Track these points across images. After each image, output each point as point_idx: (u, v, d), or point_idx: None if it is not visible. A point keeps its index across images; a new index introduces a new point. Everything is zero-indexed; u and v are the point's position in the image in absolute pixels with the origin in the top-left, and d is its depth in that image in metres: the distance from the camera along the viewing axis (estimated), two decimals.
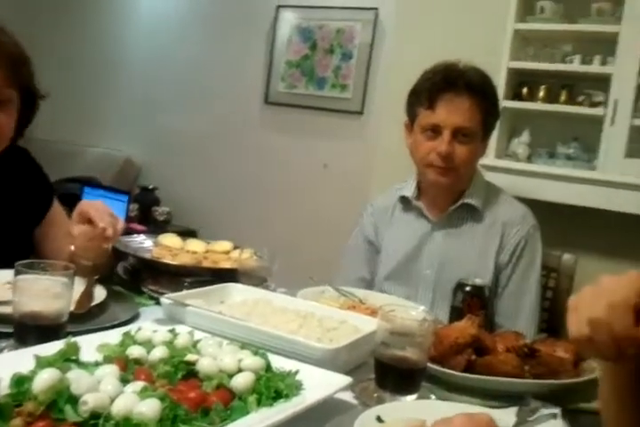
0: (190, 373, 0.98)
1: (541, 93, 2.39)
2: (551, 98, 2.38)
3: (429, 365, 1.13)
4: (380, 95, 3.44)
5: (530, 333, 1.62)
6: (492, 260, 1.72)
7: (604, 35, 2.24)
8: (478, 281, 1.46)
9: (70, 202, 2.07)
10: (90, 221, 1.37)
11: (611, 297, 0.73)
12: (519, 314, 1.70)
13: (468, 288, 1.44)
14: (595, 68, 2.28)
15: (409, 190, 1.83)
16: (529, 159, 2.38)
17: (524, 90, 2.41)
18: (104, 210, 1.39)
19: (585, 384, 1.20)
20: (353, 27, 3.64)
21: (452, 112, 1.67)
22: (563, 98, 2.37)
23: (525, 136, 2.38)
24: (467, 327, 1.21)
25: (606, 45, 2.25)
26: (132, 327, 1.14)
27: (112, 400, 0.82)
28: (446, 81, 1.68)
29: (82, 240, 1.38)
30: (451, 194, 1.77)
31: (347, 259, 1.94)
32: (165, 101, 4.23)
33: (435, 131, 1.69)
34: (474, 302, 1.43)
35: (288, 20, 3.83)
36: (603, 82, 2.24)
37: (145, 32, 4.34)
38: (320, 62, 3.74)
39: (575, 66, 2.32)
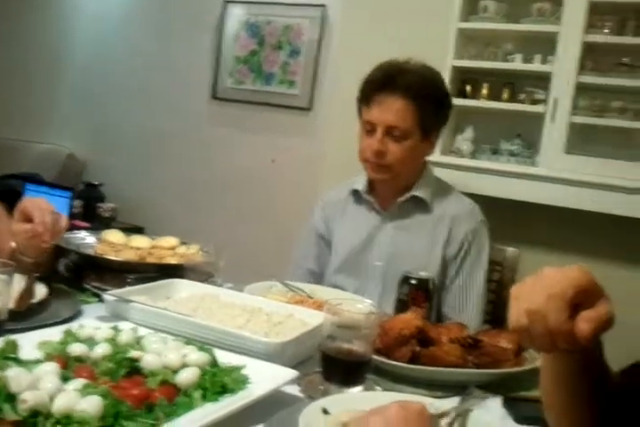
0: (134, 369, 0.97)
1: (484, 91, 2.44)
2: (494, 95, 2.43)
3: (375, 357, 1.14)
4: (328, 92, 3.46)
5: (475, 324, 1.66)
6: (439, 252, 1.75)
7: (545, 34, 2.30)
8: (423, 274, 1.48)
9: (12, 199, 2.01)
10: (31, 220, 1.34)
11: (549, 289, 0.74)
12: (466, 306, 1.74)
13: (413, 281, 1.46)
14: (535, 66, 2.34)
15: (360, 184, 1.86)
16: (473, 155, 2.43)
17: (468, 88, 2.45)
18: (46, 208, 1.36)
19: (526, 373, 1.24)
20: (301, 23, 3.64)
21: (384, 111, 1.70)
22: (505, 96, 2.42)
23: (469, 133, 2.43)
24: (411, 319, 1.23)
25: (546, 45, 2.31)
26: (73, 325, 1.12)
27: (52, 398, 0.81)
28: (383, 80, 1.72)
29: (22, 238, 1.35)
30: (398, 188, 1.80)
31: (297, 252, 1.96)
32: (111, 97, 4.14)
33: (371, 127, 1.73)
34: (419, 294, 1.45)
35: (236, 15, 3.80)
36: (543, 80, 2.30)
37: (89, 27, 4.24)
38: (268, 58, 3.73)
39: (517, 64, 2.37)
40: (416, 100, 1.69)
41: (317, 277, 1.87)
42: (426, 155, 1.83)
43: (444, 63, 2.33)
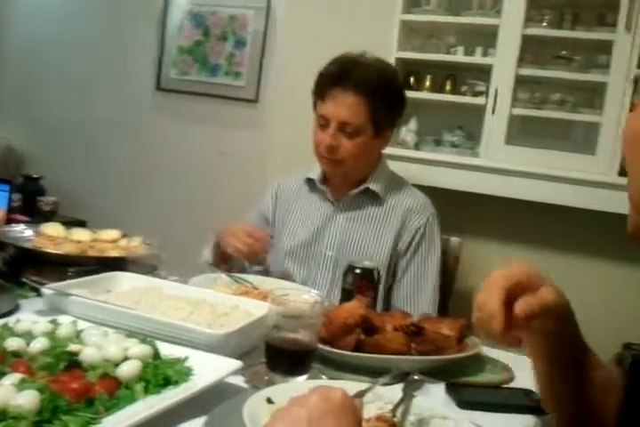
0: (74, 363, 0.95)
1: (427, 83, 2.47)
2: (437, 87, 2.46)
3: (320, 346, 1.15)
4: (274, 83, 3.44)
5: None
6: (388, 244, 1.77)
7: (486, 27, 2.34)
8: (367, 263, 1.50)
9: None
10: None
11: (487, 283, 0.84)
12: (419, 299, 1.76)
13: (357, 271, 1.47)
14: (477, 59, 2.38)
15: (315, 173, 1.86)
16: (417, 147, 2.46)
17: (412, 79, 2.48)
18: None
19: (468, 359, 1.27)
20: (245, 13, 3.60)
21: (337, 106, 1.71)
22: (448, 87, 2.45)
23: (413, 124, 2.46)
24: (356, 308, 1.24)
25: (487, 37, 2.35)
26: (10, 319, 1.09)
27: None
28: (337, 75, 1.71)
29: None
30: (351, 180, 1.81)
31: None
32: (50, 87, 4.02)
33: (325, 122, 1.73)
34: (363, 283, 1.46)
35: (179, 4, 3.73)
36: (484, 72, 2.34)
37: (26, 12, 4.10)
38: (213, 49, 3.68)
39: (459, 57, 2.41)
40: (368, 96, 1.69)
41: None
42: (379, 149, 1.85)
43: (388, 55, 2.35)
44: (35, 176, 3.86)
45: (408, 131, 2.45)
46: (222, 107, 3.65)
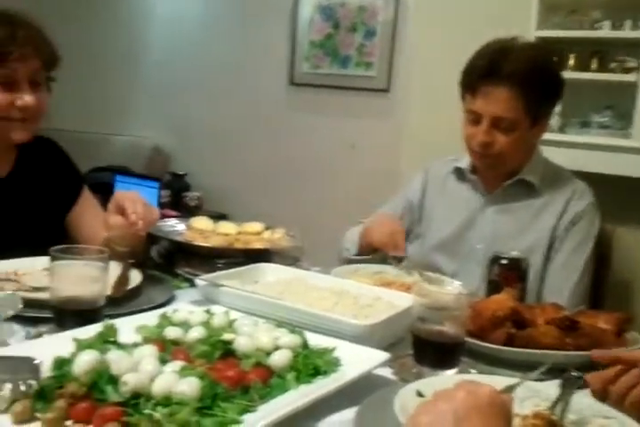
0: (227, 352, 0.98)
1: (571, 62, 2.33)
2: (581, 66, 2.32)
3: (468, 339, 1.11)
4: (405, 72, 3.40)
5: (575, 305, 1.59)
6: (547, 237, 1.68)
7: None
8: (514, 254, 1.43)
9: (103, 191, 2.09)
10: (124, 212, 1.38)
11: None
12: (568, 289, 1.65)
13: (504, 261, 1.41)
14: (626, 33, 2.22)
15: (464, 163, 1.80)
16: (561, 130, 2.33)
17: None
18: (138, 200, 1.41)
19: None
20: (374, 3, 3.58)
21: (490, 102, 1.60)
22: (593, 66, 2.31)
23: (557, 106, 2.32)
24: (504, 300, 1.20)
25: (637, 9, 2.18)
26: (168, 309, 1.15)
27: (152, 380, 0.83)
28: (487, 69, 1.60)
29: (116, 230, 1.39)
30: (504, 171, 1.73)
31: (379, 211, 1.91)
32: (190, 88, 4.22)
33: (476, 117, 1.64)
34: (511, 275, 1.40)
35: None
36: (635, 47, 2.18)
37: (165, 18, 4.33)
38: (343, 41, 3.70)
39: (605, 32, 2.26)
40: (523, 87, 1.58)
41: None
42: (536, 139, 1.74)
43: (527, 35, 2.24)
44: (180, 173, 4.08)
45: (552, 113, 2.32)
46: (354, 98, 3.66)
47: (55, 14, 3.71)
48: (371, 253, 1.71)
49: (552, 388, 0.96)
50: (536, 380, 1.06)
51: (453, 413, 0.65)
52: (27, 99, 1.45)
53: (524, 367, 1.13)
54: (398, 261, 1.59)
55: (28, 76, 1.45)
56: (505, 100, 1.59)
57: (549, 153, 1.84)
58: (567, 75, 2.28)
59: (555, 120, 2.32)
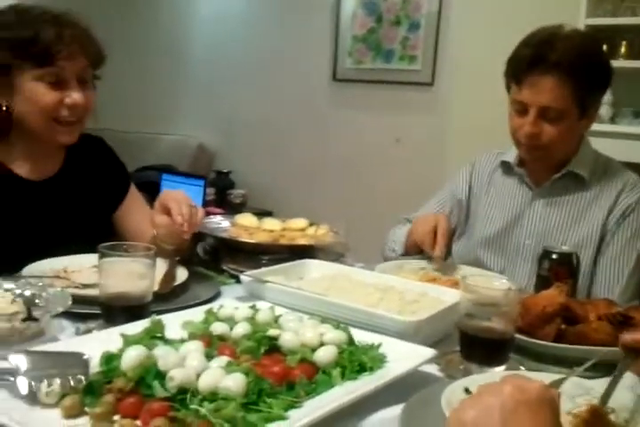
0: (273, 348, 0.98)
1: (623, 50, 2.26)
2: (634, 54, 2.25)
3: (517, 335, 1.09)
4: (450, 65, 3.35)
5: (626, 300, 1.55)
6: (597, 230, 1.64)
7: None
8: (565, 248, 1.40)
9: (150, 190, 2.13)
10: (170, 213, 1.40)
11: None
12: (618, 285, 1.60)
13: (554, 256, 1.38)
14: None
15: (511, 156, 1.76)
16: (612, 120, 2.27)
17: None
18: (184, 200, 1.42)
19: None
20: None
21: (537, 92, 1.56)
22: None
23: (608, 96, 2.26)
24: (554, 296, 1.17)
25: None
26: (214, 305, 1.16)
27: (198, 376, 0.83)
28: (533, 58, 1.56)
29: (162, 229, 1.41)
30: (552, 164, 1.69)
31: (423, 209, 1.88)
32: (233, 86, 4.26)
33: (522, 108, 1.60)
34: (561, 270, 1.36)
35: None
36: None
37: (208, 16, 4.37)
38: (386, 35, 3.67)
39: None
40: (570, 76, 1.53)
41: None
42: (585, 130, 1.69)
43: (576, 23, 2.18)
44: (225, 171, 4.12)
45: (602, 103, 2.25)
46: (397, 92, 3.64)
47: (100, 14, 3.80)
48: (418, 252, 1.68)
49: (603, 386, 0.93)
50: (589, 377, 1.03)
51: (500, 407, 0.63)
52: (75, 96, 1.47)
53: (574, 364, 1.10)
54: (436, 259, 1.57)
55: (75, 74, 1.48)
56: (552, 90, 1.54)
57: (599, 144, 1.79)
58: (618, 63, 2.23)
59: (605, 110, 2.26)
